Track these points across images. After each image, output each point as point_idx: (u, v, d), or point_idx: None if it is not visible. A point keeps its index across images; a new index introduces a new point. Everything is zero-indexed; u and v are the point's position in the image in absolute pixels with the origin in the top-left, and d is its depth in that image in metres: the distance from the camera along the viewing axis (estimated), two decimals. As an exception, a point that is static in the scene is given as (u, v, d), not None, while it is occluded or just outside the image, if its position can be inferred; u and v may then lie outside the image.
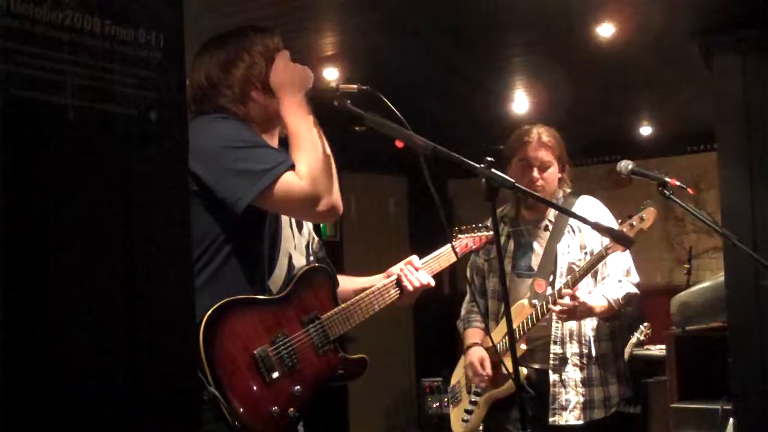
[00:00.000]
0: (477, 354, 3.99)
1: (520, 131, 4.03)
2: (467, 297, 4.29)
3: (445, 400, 4.32)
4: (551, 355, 3.87)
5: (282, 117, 2.53)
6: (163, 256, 1.45)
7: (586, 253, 3.91)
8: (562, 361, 3.86)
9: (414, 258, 3.00)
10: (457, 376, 4.21)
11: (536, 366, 3.92)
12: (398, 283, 2.90)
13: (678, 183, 3.30)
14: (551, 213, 4.01)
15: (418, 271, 2.93)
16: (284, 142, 2.61)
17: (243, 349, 2.41)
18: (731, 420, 4.75)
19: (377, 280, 2.91)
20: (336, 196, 2.45)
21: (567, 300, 3.70)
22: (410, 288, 2.89)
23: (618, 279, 3.91)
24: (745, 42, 4.54)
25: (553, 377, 3.85)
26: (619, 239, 2.55)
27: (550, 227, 4.01)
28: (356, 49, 4.98)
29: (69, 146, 1.35)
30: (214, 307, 2.36)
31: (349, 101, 2.52)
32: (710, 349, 5.57)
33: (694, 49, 4.76)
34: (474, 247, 3.35)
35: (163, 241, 1.46)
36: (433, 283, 2.98)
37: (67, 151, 1.35)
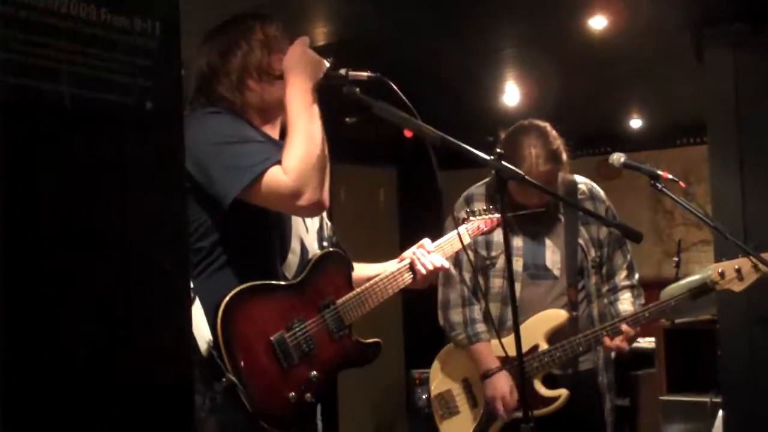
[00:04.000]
0: (506, 384, 3.56)
1: (522, 146, 3.46)
2: (455, 297, 3.71)
3: (426, 409, 3.81)
4: (600, 360, 3.69)
5: (285, 102, 2.48)
6: (158, 245, 1.45)
7: (602, 246, 3.68)
8: (607, 362, 3.72)
9: (426, 241, 2.98)
10: (445, 384, 3.78)
11: (582, 368, 3.66)
12: (411, 267, 2.89)
13: (670, 176, 3.30)
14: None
15: (430, 254, 2.91)
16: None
17: (260, 335, 2.41)
18: (720, 412, 4.77)
19: (390, 266, 2.90)
20: (321, 192, 2.42)
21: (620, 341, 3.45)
22: (424, 271, 2.87)
23: (630, 282, 3.76)
24: (737, 35, 4.55)
25: (602, 379, 3.70)
26: (630, 234, 2.50)
27: (562, 219, 3.66)
28: (348, 40, 4.97)
29: (64, 134, 1.34)
30: (231, 293, 2.36)
31: (357, 89, 2.48)
32: (699, 342, 5.60)
33: (685, 42, 4.76)
34: (485, 229, 3.23)
35: (158, 229, 1.45)
36: (447, 265, 2.98)
37: (62, 139, 1.34)
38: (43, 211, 1.30)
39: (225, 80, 2.57)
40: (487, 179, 3.72)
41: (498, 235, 3.54)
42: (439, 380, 3.83)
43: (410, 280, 2.89)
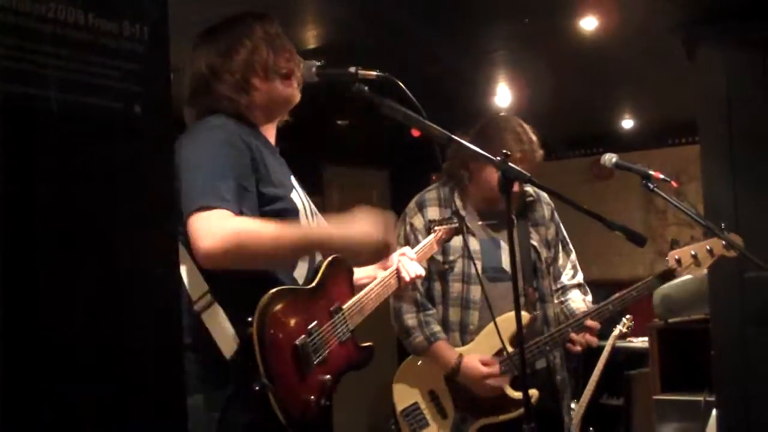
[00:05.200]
0: (477, 361, 3.55)
1: (507, 142, 3.47)
2: (408, 304, 3.69)
3: (392, 426, 3.80)
4: (556, 359, 3.73)
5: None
6: (147, 251, 1.44)
7: (550, 247, 3.77)
8: (562, 360, 3.78)
9: (407, 249, 3.08)
10: (410, 398, 3.77)
11: (538, 367, 3.68)
12: (398, 273, 2.96)
13: (662, 176, 3.31)
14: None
15: (413, 262, 2.99)
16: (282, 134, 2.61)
17: (288, 339, 2.38)
18: (714, 411, 4.77)
19: (372, 271, 2.94)
20: (225, 261, 2.27)
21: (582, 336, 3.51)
22: (407, 279, 2.95)
23: (576, 280, 3.84)
24: (728, 34, 4.56)
25: (558, 377, 3.76)
26: (634, 237, 2.49)
27: (515, 220, 3.65)
28: (339, 42, 4.96)
29: (52, 140, 1.33)
30: (267, 295, 2.32)
31: (366, 87, 2.48)
32: (693, 341, 5.60)
33: (677, 41, 4.76)
34: (444, 237, 3.36)
35: (147, 235, 1.45)
36: (424, 273, 3.06)
37: (50, 144, 1.33)
38: (31, 216, 1.29)
39: (229, 80, 2.54)
40: (436, 183, 3.75)
41: (454, 240, 3.54)
42: (402, 396, 3.81)
43: (396, 286, 2.95)
